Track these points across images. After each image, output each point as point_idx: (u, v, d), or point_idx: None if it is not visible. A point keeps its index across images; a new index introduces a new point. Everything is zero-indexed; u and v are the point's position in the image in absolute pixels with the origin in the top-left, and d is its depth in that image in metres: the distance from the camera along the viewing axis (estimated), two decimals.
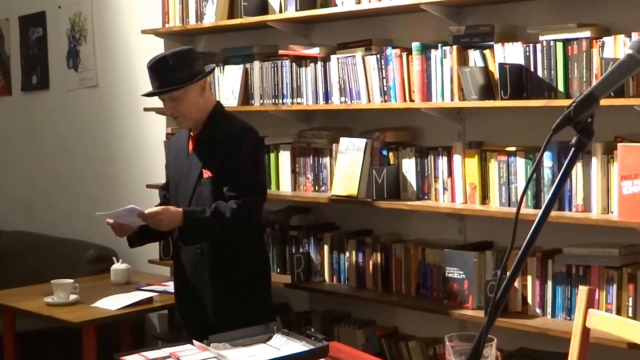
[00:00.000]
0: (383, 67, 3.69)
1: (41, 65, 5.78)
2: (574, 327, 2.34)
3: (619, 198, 3.04)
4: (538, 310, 3.34)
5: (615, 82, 1.50)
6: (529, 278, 3.35)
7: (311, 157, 4.08)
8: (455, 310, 3.49)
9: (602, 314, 2.42)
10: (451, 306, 3.53)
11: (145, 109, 4.70)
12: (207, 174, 3.35)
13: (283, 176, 4.19)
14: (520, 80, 3.27)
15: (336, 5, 3.83)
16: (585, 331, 2.32)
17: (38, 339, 4.67)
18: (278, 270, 4.19)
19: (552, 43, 3.19)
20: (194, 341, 2.67)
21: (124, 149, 5.24)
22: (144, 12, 4.93)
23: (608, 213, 3.14)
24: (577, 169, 3.19)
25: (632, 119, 3.13)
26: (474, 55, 3.43)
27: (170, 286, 4.02)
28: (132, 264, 4.55)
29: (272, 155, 4.21)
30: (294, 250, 4.15)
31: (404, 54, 3.62)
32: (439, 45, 3.51)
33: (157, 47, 4.64)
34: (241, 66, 4.26)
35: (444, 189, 3.60)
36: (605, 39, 3.08)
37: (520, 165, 3.35)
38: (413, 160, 3.69)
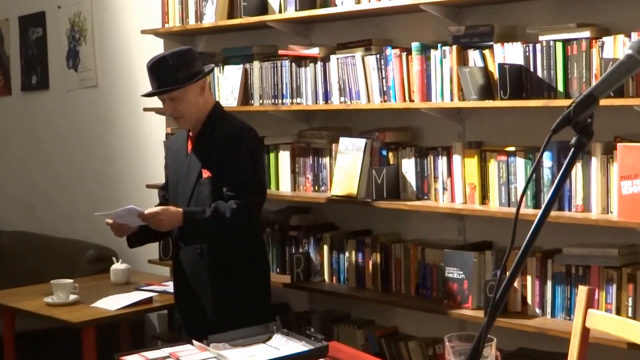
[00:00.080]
0: (383, 67, 3.68)
1: (41, 65, 5.77)
2: (573, 327, 2.34)
3: (618, 198, 3.03)
4: (538, 310, 3.34)
5: (614, 82, 1.50)
6: (529, 278, 3.35)
7: (311, 157, 4.08)
8: (454, 310, 3.49)
9: (602, 314, 2.42)
10: (451, 306, 3.53)
11: (145, 109, 4.70)
12: (206, 173, 3.34)
13: (283, 176, 4.18)
14: (519, 81, 3.27)
15: (336, 5, 3.83)
16: (585, 331, 2.32)
17: (38, 339, 4.66)
18: (278, 270, 4.19)
19: (551, 43, 3.19)
20: (194, 341, 2.67)
21: (123, 149, 5.24)
22: (144, 12, 4.93)
23: (608, 213, 3.14)
24: (577, 169, 3.19)
25: (632, 119, 3.12)
26: (474, 56, 3.43)
27: (169, 286, 4.02)
28: (132, 264, 4.55)
29: (272, 155, 4.21)
30: (293, 250, 4.15)
31: (404, 54, 3.62)
32: (439, 45, 3.51)
33: (156, 47, 4.63)
34: (241, 66, 4.25)
35: (444, 189, 3.60)
36: (604, 39, 3.08)
37: (520, 165, 3.35)
38: (413, 160, 3.69)
